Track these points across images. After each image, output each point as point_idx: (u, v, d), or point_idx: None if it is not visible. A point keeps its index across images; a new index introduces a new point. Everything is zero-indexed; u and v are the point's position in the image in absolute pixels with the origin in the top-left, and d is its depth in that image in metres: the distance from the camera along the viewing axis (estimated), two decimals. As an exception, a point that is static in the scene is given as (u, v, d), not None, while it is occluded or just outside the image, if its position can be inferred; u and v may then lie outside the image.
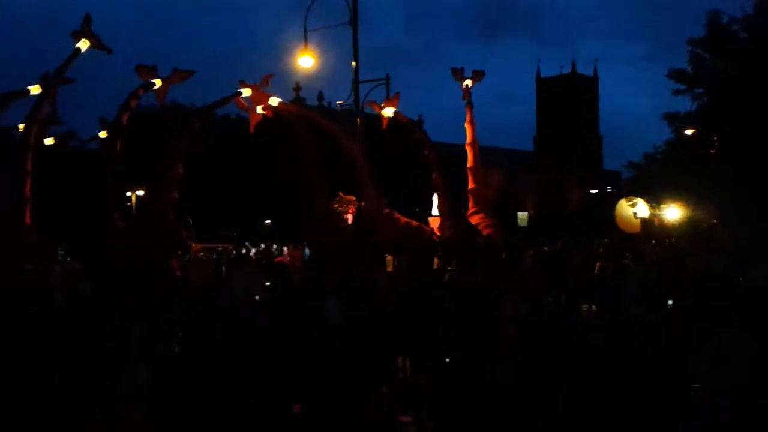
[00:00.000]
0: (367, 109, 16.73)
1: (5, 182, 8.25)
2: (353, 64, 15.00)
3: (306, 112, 9.90)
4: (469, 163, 9.53)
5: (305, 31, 15.66)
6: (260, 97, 8.85)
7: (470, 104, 9.81)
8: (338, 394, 5.86)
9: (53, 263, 8.17)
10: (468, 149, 9.60)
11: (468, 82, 9.92)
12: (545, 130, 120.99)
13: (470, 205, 9.32)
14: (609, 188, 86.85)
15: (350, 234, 8.73)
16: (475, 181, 9.40)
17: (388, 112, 9.64)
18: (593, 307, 11.00)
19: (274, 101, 9.00)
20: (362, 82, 15.51)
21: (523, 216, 54.25)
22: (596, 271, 12.28)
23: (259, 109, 9.07)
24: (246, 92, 9.02)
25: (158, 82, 8.79)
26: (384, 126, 9.65)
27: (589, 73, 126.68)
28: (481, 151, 10.01)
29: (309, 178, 9.17)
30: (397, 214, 9.05)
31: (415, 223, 9.09)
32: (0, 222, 7.85)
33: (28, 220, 8.09)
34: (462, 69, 10.03)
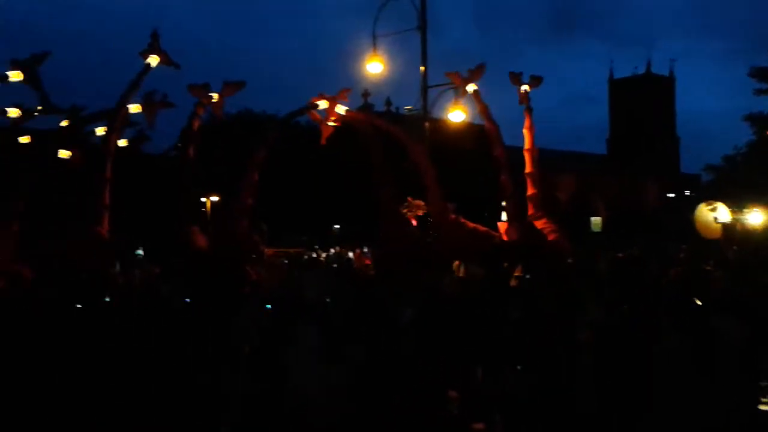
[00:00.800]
0: (435, 114, 16.74)
1: (88, 188, 8.66)
2: (422, 69, 14.97)
3: (372, 119, 9.98)
4: (528, 168, 9.39)
5: (374, 36, 15.74)
6: (329, 109, 9.05)
7: (529, 109, 9.67)
8: (409, 398, 5.84)
9: (133, 267, 8.47)
10: (526, 154, 9.47)
11: (525, 87, 9.77)
12: (619, 133, 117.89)
13: (531, 211, 9.19)
14: (687, 192, 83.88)
15: (415, 239, 8.74)
16: (535, 186, 9.27)
17: (471, 87, 9.53)
18: (671, 314, 10.60)
19: (340, 109, 9.15)
20: (431, 87, 15.43)
21: (596, 221, 52.92)
22: (673, 277, 11.84)
23: (330, 122, 9.26)
24: (323, 104, 9.22)
25: (215, 96, 9.14)
26: (457, 101, 9.45)
27: (665, 72, 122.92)
28: (551, 155, 10.04)
29: (376, 184, 9.26)
30: (463, 219, 8.99)
31: (482, 228, 8.99)
32: (83, 227, 8.23)
33: (107, 226, 8.46)
34: (520, 74, 9.82)
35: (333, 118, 9.20)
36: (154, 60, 8.84)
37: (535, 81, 9.80)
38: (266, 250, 10.42)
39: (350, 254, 22.40)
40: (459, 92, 9.67)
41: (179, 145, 9.27)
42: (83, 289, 6.91)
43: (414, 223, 9.24)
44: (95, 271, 7.08)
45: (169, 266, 7.76)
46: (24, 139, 8.75)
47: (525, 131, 9.57)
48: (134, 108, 9.13)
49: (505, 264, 8.67)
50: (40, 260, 7.54)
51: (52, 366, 5.64)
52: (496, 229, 9.82)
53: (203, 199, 37.57)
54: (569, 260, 9.61)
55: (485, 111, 9.36)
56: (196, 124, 8.99)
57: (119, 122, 8.71)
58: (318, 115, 9.33)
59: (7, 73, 8.25)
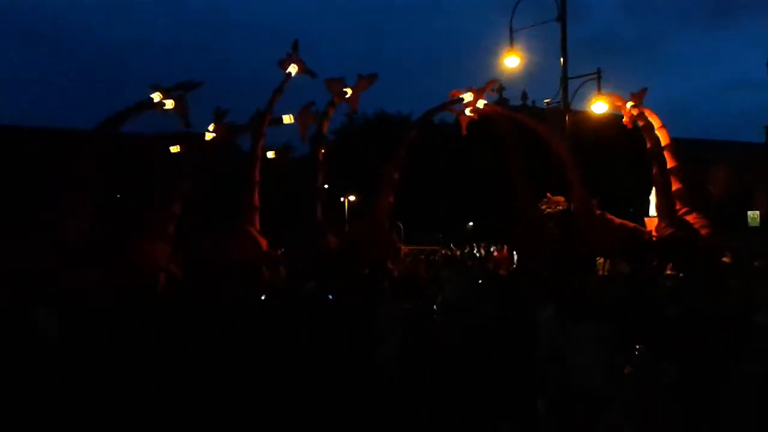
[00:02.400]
0: (575, 106, 16.16)
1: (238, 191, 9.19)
2: (561, 60, 14.49)
3: (512, 113, 9.84)
4: (670, 164, 8.93)
5: (511, 30, 15.45)
6: (475, 101, 9.08)
7: (651, 112, 9.22)
8: (558, 401, 5.67)
9: (280, 265, 8.85)
10: (666, 153, 9.01)
11: (629, 105, 9.32)
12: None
13: (678, 207, 8.73)
14: None
15: (554, 236, 8.53)
16: (679, 181, 8.80)
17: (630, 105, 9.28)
18: None
19: (480, 103, 9.10)
20: (571, 78, 14.89)
21: (753, 215, 48.77)
22: None
23: (467, 111, 9.24)
24: (468, 97, 9.24)
25: (349, 91, 9.36)
26: (627, 123, 9.25)
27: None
28: (704, 145, 9.44)
29: (513, 181, 9.13)
30: (609, 216, 8.66)
31: (630, 224, 8.60)
32: (236, 227, 8.74)
33: (258, 226, 8.93)
34: (619, 97, 9.48)
35: (472, 110, 9.19)
36: (293, 69, 9.28)
37: (637, 97, 9.35)
38: (402, 247, 10.55)
39: (482, 251, 22.21)
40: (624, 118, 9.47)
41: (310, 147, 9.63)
42: (235, 288, 7.32)
43: (550, 218, 9.03)
44: (248, 269, 7.47)
45: (309, 264, 8.03)
46: (174, 149, 9.45)
47: (658, 132, 9.20)
48: (287, 119, 9.62)
49: (655, 261, 8.25)
50: (195, 261, 8.08)
51: (209, 360, 6.01)
52: (643, 225, 9.37)
53: (341, 199, 38.71)
54: (724, 257, 9.01)
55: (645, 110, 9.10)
56: (326, 125, 9.33)
57: (265, 128, 9.19)
58: (455, 109, 9.36)
59: (163, 101, 8.85)
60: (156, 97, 8.67)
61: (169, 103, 8.87)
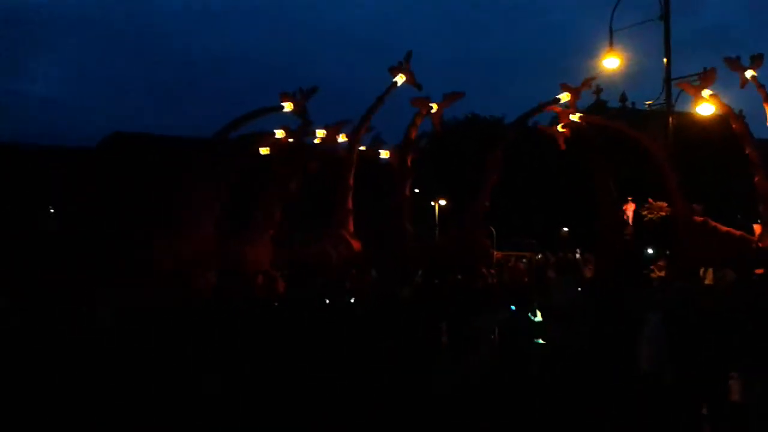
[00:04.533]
0: (679, 107, 15.51)
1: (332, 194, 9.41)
2: (664, 61, 13.88)
3: (610, 122, 9.68)
4: None
5: (611, 30, 14.95)
6: (562, 116, 8.98)
7: (761, 87, 8.74)
8: (657, 411, 5.47)
9: (369, 267, 8.97)
10: None
11: (750, 73, 8.83)
12: None
13: None
14: None
15: (629, 242, 8.34)
16: None
17: (706, 93, 8.97)
18: None
19: (575, 117, 8.99)
20: (674, 79, 14.20)
21: None
22: None
23: (559, 128, 9.13)
24: (564, 97, 9.14)
25: (435, 107, 9.54)
26: (695, 104, 8.99)
27: None
28: None
29: (597, 187, 8.97)
30: (713, 223, 8.29)
31: (737, 232, 8.19)
32: (329, 232, 8.93)
33: (351, 228, 9.10)
34: (738, 58, 9.09)
35: (560, 125, 9.10)
36: (401, 79, 9.51)
37: (758, 61, 8.94)
38: (495, 252, 10.46)
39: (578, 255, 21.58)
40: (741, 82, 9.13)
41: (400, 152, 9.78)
42: (329, 291, 7.49)
43: (630, 225, 8.86)
44: (341, 273, 7.61)
45: (398, 269, 8.10)
46: (264, 151, 9.79)
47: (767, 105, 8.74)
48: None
49: (761, 270, 7.83)
50: (293, 263, 8.33)
51: (300, 359, 6.17)
52: (751, 232, 8.87)
53: (432, 203, 38.66)
54: None
55: (729, 112, 8.71)
56: (414, 133, 9.47)
57: (362, 134, 9.38)
58: (560, 109, 9.26)
59: (282, 104, 9.80)
60: (286, 105, 9.44)
61: (288, 106, 9.70)
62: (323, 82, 10.10)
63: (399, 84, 9.56)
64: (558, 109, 9.18)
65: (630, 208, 17.16)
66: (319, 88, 9.91)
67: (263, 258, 8.19)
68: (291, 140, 9.80)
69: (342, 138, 9.86)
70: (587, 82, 9.14)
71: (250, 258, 8.02)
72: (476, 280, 7.25)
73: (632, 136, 9.02)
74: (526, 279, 8.28)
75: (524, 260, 13.47)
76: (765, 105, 8.92)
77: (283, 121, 9.94)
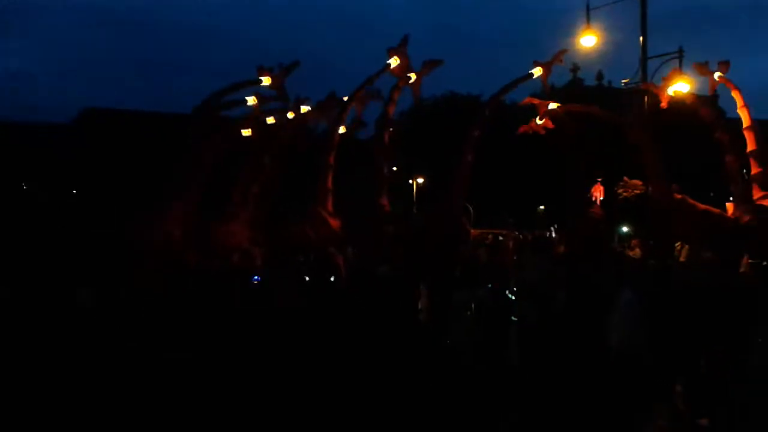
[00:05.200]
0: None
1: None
2: (641, 39, 13.94)
3: (584, 108, 9.69)
4: (750, 147, 8.59)
5: (588, 8, 14.97)
6: (540, 106, 8.98)
7: (736, 89, 8.89)
8: (633, 389, 5.58)
9: (346, 245, 8.96)
10: (746, 134, 8.66)
11: (717, 75, 9.02)
12: None
13: (757, 192, 8.43)
14: None
15: (596, 221, 8.42)
16: (761, 164, 8.47)
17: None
18: None
19: (552, 106, 9.00)
20: (651, 57, 14.30)
21: None
22: None
23: (538, 120, 9.12)
24: (537, 72, 9.10)
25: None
26: (665, 105, 9.13)
27: None
28: None
29: (567, 169, 9.01)
30: (691, 201, 8.38)
31: (715, 210, 8.30)
32: (309, 210, 8.90)
33: (330, 207, 9.06)
34: (706, 63, 9.19)
35: (540, 120, 9.10)
36: (394, 61, 9.33)
37: (724, 66, 9.14)
38: (472, 231, 10.49)
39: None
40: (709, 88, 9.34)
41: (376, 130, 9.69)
42: (307, 269, 7.48)
43: (598, 205, 8.95)
44: (321, 251, 7.60)
45: (377, 247, 8.11)
46: (246, 132, 9.72)
47: (739, 111, 8.88)
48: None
49: (736, 249, 7.97)
50: (272, 241, 8.30)
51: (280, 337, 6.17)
52: (724, 210, 9.03)
53: (410, 181, 38.67)
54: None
55: (696, 101, 8.87)
56: (392, 109, 9.35)
57: (345, 115, 9.30)
58: (537, 101, 9.26)
59: (260, 78, 9.56)
60: (264, 79, 9.29)
61: (266, 80, 9.52)
62: (303, 56, 9.95)
63: (392, 66, 9.37)
64: (535, 101, 9.17)
65: (598, 190, 17.29)
66: (300, 62, 9.69)
67: (241, 236, 8.14)
68: (272, 120, 9.70)
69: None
70: (558, 56, 9.11)
71: (227, 236, 7.97)
72: (455, 258, 7.28)
73: (606, 120, 9.06)
74: (515, 257, 8.34)
75: (501, 238, 13.57)
76: (735, 95, 9.03)
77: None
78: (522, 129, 9.39)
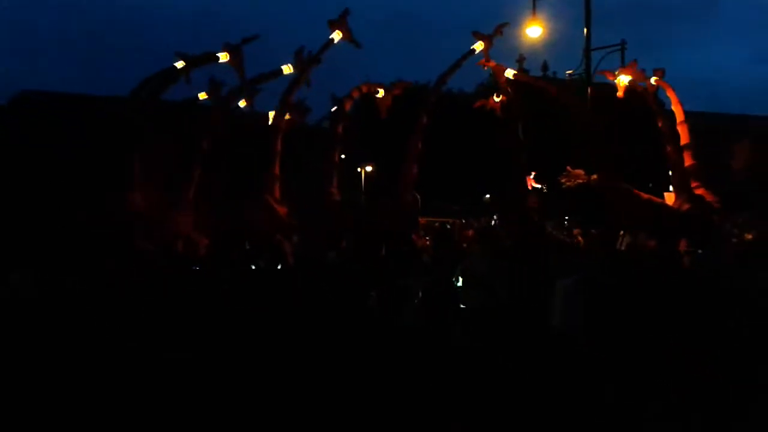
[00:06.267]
0: (599, 78, 15.92)
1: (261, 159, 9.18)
2: (585, 31, 14.19)
3: (544, 84, 9.84)
4: (684, 141, 8.94)
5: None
6: (497, 71, 9.01)
7: (668, 87, 9.24)
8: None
9: (292, 233, 8.87)
10: (680, 128, 9.01)
11: (653, 80, 9.36)
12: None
13: (692, 183, 8.79)
14: None
15: (535, 210, 8.58)
16: (693, 157, 8.83)
17: (624, 80, 9.29)
18: None
19: (509, 73, 9.05)
20: (594, 49, 14.59)
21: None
22: None
23: (495, 98, 9.17)
24: (479, 46, 9.14)
25: (381, 92, 9.41)
26: (620, 94, 9.32)
27: None
28: (731, 120, 9.41)
29: (511, 167, 9.12)
30: (636, 191, 8.62)
31: (657, 199, 8.58)
32: (256, 197, 8.76)
33: (277, 194, 8.94)
34: (643, 71, 9.43)
35: (504, 92, 9.14)
36: (337, 35, 9.19)
37: (659, 72, 9.37)
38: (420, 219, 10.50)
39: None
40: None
41: (330, 121, 9.59)
42: (256, 255, 7.37)
43: (533, 197, 9.09)
44: (268, 238, 7.50)
45: (326, 235, 8.06)
46: (202, 95, 9.25)
47: (674, 108, 9.21)
48: (286, 69, 9.40)
49: (676, 237, 8.24)
50: (218, 227, 8.13)
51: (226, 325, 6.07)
52: (663, 199, 9.33)
53: (358, 169, 38.56)
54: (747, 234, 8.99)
55: (644, 93, 9.10)
56: (349, 105, 9.31)
57: (290, 100, 9.14)
58: (494, 64, 9.26)
59: (217, 54, 9.10)
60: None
61: (224, 56, 9.06)
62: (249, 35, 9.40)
63: (336, 41, 9.23)
64: (492, 63, 9.19)
65: (530, 181, 17.59)
66: (258, 36, 9.17)
67: (184, 224, 7.95)
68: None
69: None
70: (499, 29, 9.19)
71: (170, 224, 7.77)
72: (404, 245, 7.29)
73: (563, 101, 9.21)
74: (477, 246, 8.39)
75: (448, 226, 13.69)
76: (668, 91, 9.34)
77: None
78: (479, 103, 9.45)
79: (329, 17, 9.10)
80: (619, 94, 9.35)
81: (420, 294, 6.37)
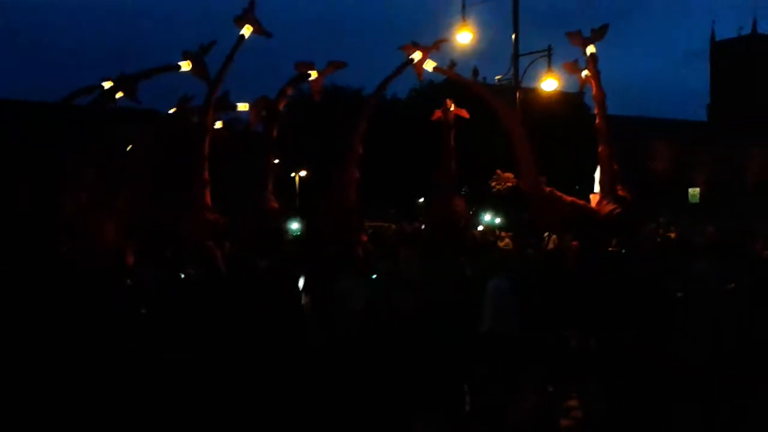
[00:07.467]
0: (527, 81, 16.32)
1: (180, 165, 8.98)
2: (513, 36, 14.51)
3: (468, 81, 9.87)
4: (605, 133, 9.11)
5: (463, 5, 15.38)
6: (423, 60, 9.02)
7: (596, 74, 8.99)
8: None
9: (224, 240, 8.71)
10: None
11: (591, 50, 8.72)
12: (721, 99, 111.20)
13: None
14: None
15: (457, 217, 8.68)
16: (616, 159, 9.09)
17: (590, 50, 8.98)
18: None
19: (429, 65, 9.08)
20: (522, 55, 14.94)
21: (693, 192, 50.43)
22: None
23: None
24: (417, 56, 9.15)
25: (314, 74, 9.22)
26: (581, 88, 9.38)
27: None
28: (648, 123, 9.70)
29: (440, 166, 9.16)
30: (559, 193, 8.79)
31: (580, 201, 8.78)
32: (186, 203, 8.57)
33: (208, 201, 8.76)
34: (579, 32, 8.82)
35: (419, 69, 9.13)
36: (247, 30, 8.95)
37: (599, 33, 8.74)
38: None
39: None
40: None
41: (264, 122, 9.42)
42: (183, 264, 7.23)
43: (459, 202, 9.13)
44: (199, 245, 7.37)
45: (259, 241, 7.98)
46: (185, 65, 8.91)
47: (595, 101, 9.16)
48: (242, 107, 9.32)
49: (602, 238, 8.47)
50: (146, 237, 7.93)
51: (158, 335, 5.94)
52: (588, 201, 9.58)
53: (292, 174, 38.32)
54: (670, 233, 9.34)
55: (597, 77, 8.89)
56: (282, 104, 9.17)
57: (215, 97, 8.91)
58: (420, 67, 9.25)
59: (179, 63, 8.69)
60: (183, 64, 8.54)
61: (185, 65, 8.69)
62: (178, 47, 9.16)
63: (247, 36, 9.02)
64: (420, 48, 9.15)
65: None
66: (216, 41, 8.79)
67: (110, 232, 7.70)
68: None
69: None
70: (437, 44, 9.22)
71: (95, 231, 7.51)
72: (341, 250, 7.27)
73: (486, 100, 9.25)
74: (405, 249, 8.39)
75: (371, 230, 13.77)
76: (592, 84, 9.20)
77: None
78: (436, 116, 9.42)
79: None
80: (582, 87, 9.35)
81: (354, 299, 6.39)
